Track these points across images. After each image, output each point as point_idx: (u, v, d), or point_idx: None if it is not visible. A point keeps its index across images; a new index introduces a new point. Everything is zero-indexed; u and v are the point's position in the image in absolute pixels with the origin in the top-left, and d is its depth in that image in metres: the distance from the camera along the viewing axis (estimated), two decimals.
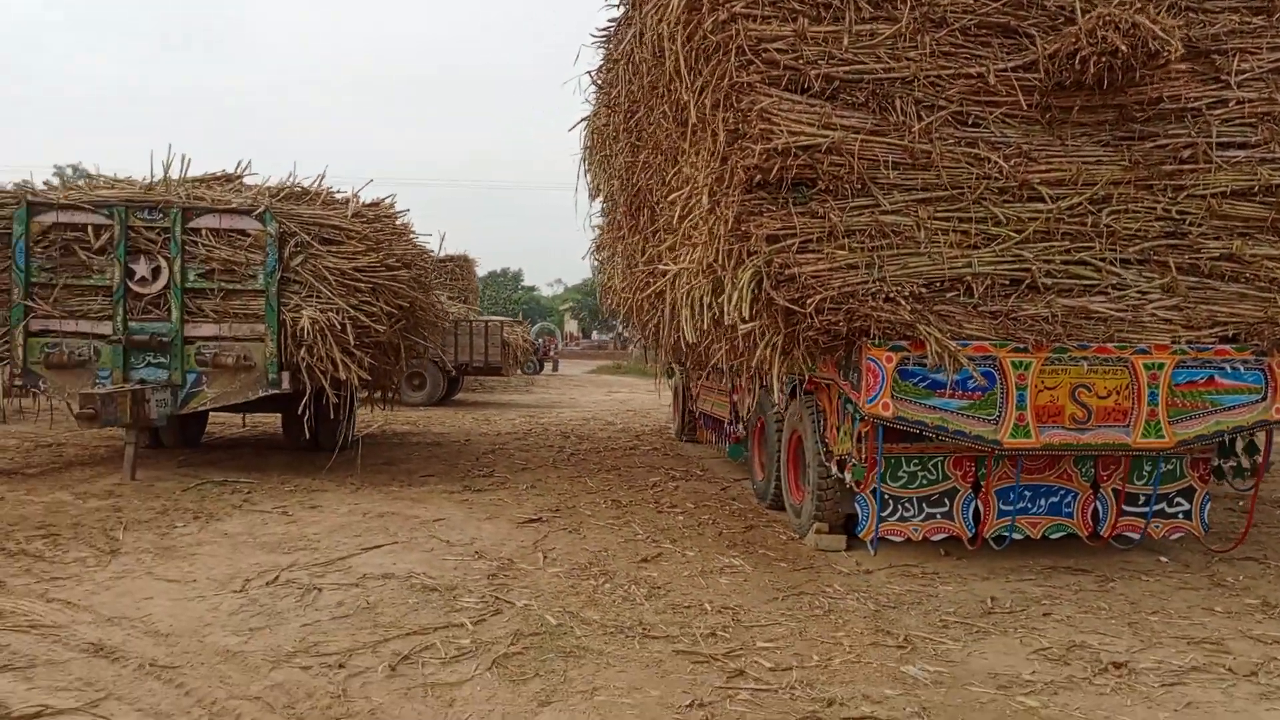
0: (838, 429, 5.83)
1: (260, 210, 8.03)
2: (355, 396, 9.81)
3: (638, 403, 20.03)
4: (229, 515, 6.49)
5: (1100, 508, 5.78)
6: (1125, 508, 5.78)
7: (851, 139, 4.89)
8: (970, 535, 5.71)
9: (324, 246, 8.19)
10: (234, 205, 8.12)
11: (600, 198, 11.59)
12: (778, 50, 4.86)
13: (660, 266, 6.46)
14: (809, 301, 4.94)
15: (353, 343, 8.10)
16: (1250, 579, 5.37)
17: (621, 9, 7.37)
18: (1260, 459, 5.77)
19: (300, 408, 8.24)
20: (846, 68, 4.92)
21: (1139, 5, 4.92)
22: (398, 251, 8.76)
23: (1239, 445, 5.77)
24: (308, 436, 10.00)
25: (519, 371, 21.88)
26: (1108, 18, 4.70)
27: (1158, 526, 5.81)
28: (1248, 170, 5.19)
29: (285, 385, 8.17)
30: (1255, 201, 5.22)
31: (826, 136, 4.86)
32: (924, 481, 5.69)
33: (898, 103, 4.98)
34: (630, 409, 18.18)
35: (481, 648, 3.96)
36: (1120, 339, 5.19)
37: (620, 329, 67.69)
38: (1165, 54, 4.76)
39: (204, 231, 8.10)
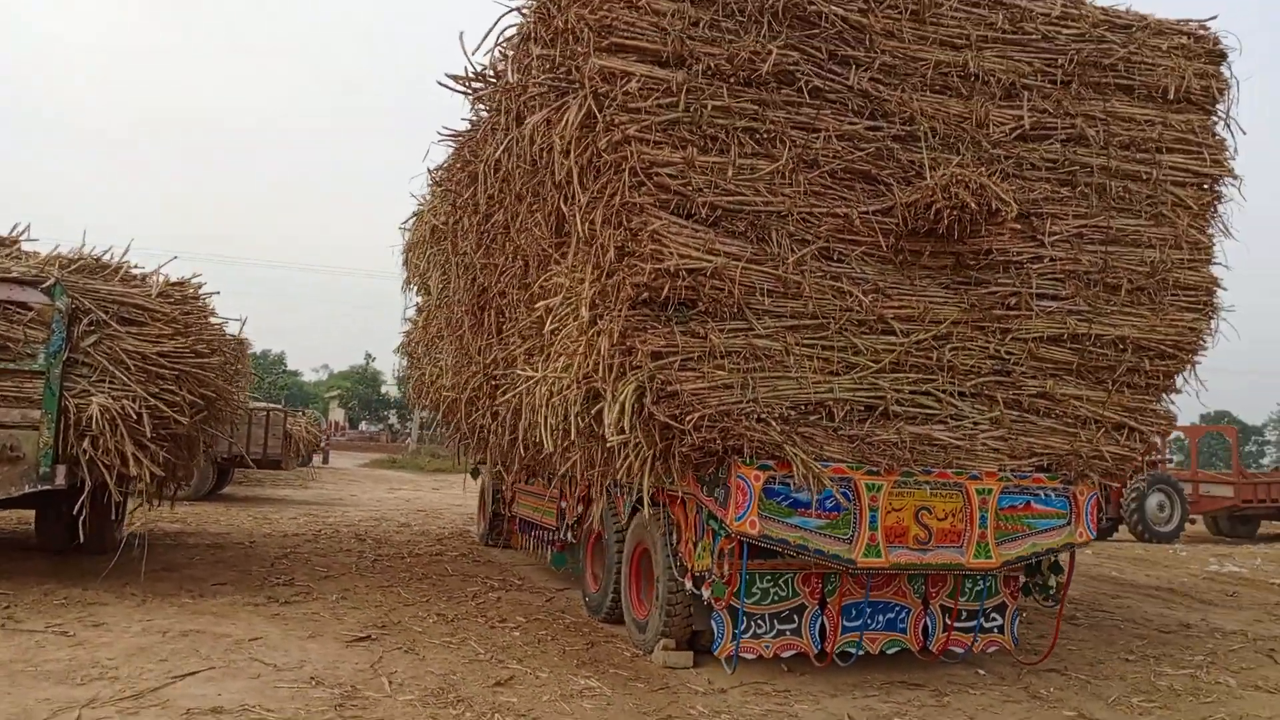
0: (694, 544, 5.85)
1: (49, 283, 7.13)
2: (129, 493, 8.78)
3: (425, 501, 19.27)
4: None
5: (929, 623, 6.13)
6: (949, 623, 6.17)
7: (732, 265, 5.08)
8: (817, 651, 5.86)
9: (123, 327, 7.38)
10: (15, 275, 7.17)
11: (418, 292, 11.32)
12: (668, 175, 5.00)
13: (519, 371, 6.31)
14: (689, 418, 5.00)
15: (149, 434, 7.27)
16: (1059, 690, 5.83)
17: (485, 114, 7.36)
18: (1064, 578, 6.37)
19: (76, 506, 7.22)
20: (729, 198, 5.15)
21: (980, 168, 5.53)
22: (206, 336, 8.03)
23: (1044, 565, 6.34)
24: (71, 537, 8.81)
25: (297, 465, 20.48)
26: (959, 177, 5.24)
27: (976, 641, 6.23)
28: (1059, 319, 5.87)
29: (59, 480, 7.16)
30: (1065, 347, 5.90)
31: (711, 261, 5.03)
32: (775, 598, 5.81)
33: (773, 234, 5.24)
34: (419, 508, 17.43)
35: None
36: (957, 465, 5.62)
37: (393, 422, 65.47)
38: (1004, 213, 5.36)
39: None
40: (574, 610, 7.81)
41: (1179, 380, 6.23)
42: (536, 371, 6.22)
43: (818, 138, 5.38)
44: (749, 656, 5.72)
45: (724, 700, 5.32)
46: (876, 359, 5.47)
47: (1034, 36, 5.97)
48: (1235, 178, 6.31)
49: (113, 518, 8.99)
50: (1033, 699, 5.65)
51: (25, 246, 8.21)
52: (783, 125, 5.31)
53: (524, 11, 6.12)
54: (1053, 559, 6.24)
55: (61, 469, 7.14)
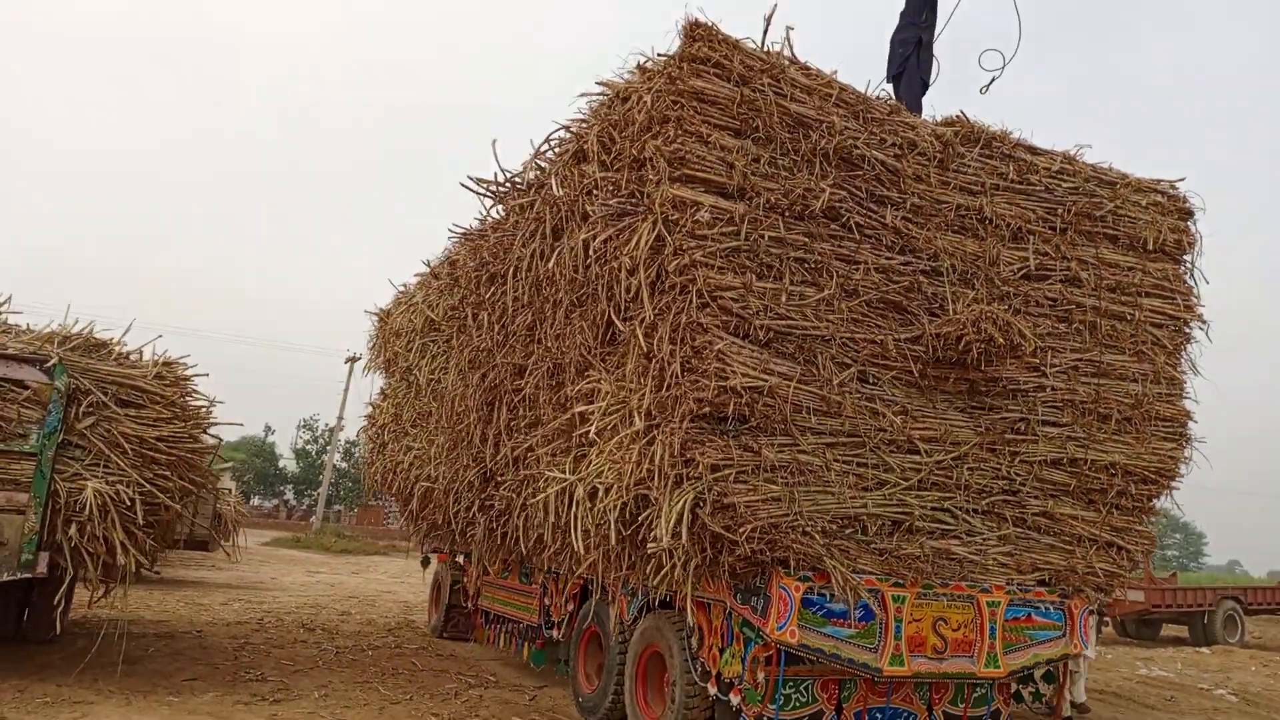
0: (721, 650, 6.00)
1: (51, 362, 6.93)
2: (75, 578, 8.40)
3: (351, 587, 18.63)
4: None
5: None
6: None
7: (784, 385, 5.39)
8: None
9: (122, 409, 7.19)
10: (13, 352, 6.95)
11: (393, 378, 11.29)
12: (731, 299, 5.32)
13: (547, 472, 6.42)
14: (741, 529, 5.22)
15: (140, 521, 7.04)
16: None
17: (500, 217, 7.61)
18: (1059, 684, 6.74)
19: (58, 596, 6.90)
20: (781, 322, 5.48)
21: (994, 304, 6.05)
22: (199, 420, 7.86)
23: (1038, 673, 6.71)
24: (17, 624, 8.37)
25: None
26: (987, 314, 5.72)
27: None
28: (1059, 444, 6.36)
29: (41, 568, 6.86)
30: (1064, 470, 6.38)
31: (766, 380, 5.32)
32: (797, 704, 5.97)
33: (819, 357, 5.59)
34: (349, 594, 16.87)
35: None
36: (970, 579, 5.98)
37: (289, 498, 62.94)
38: (1023, 348, 5.86)
39: None
40: (563, 709, 7.77)
41: (1158, 503, 6.78)
42: (564, 473, 6.35)
43: (858, 269, 5.81)
44: None
45: None
46: (905, 477, 5.82)
47: (1038, 187, 6.60)
48: (1203, 322, 7.02)
49: (58, 604, 8.57)
50: None
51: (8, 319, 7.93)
52: (828, 257, 5.72)
53: (575, 132, 6.45)
54: (1045, 668, 6.61)
55: (44, 556, 6.84)
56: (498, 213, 8.12)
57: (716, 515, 5.22)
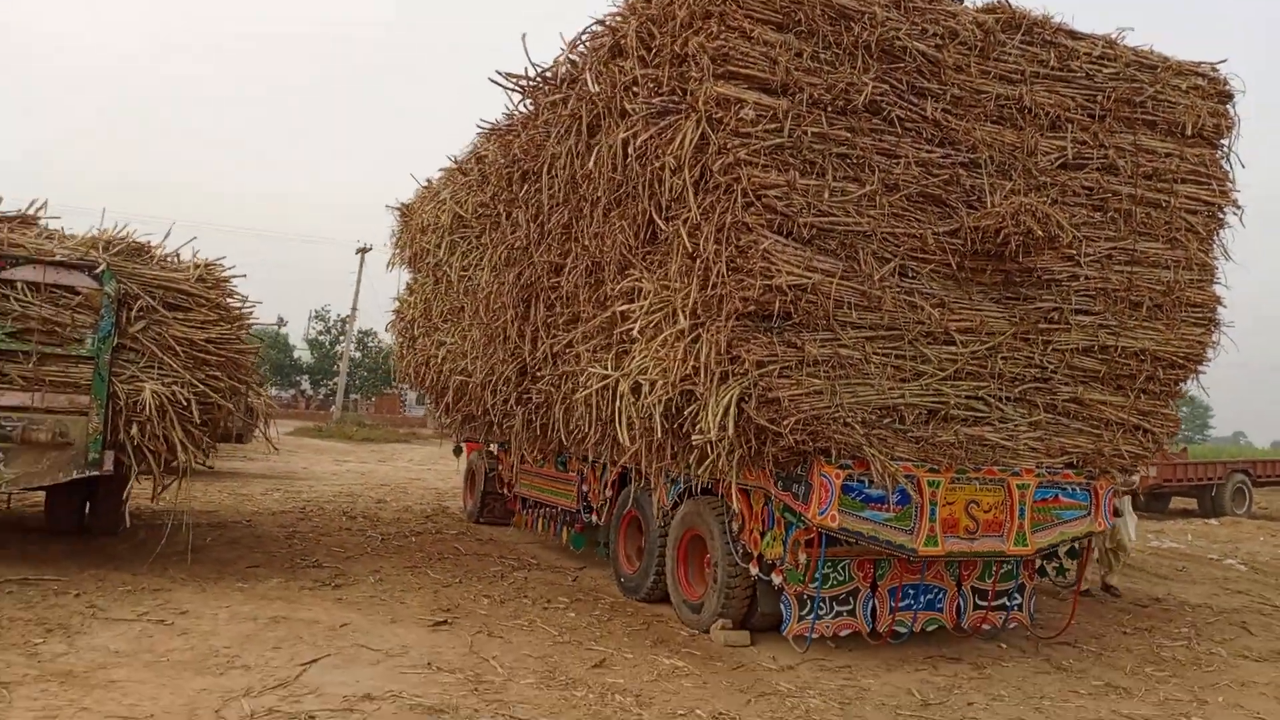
0: (762, 534, 6.31)
1: (100, 268, 7.06)
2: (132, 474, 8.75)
3: (380, 475, 19.22)
4: (89, 628, 5.57)
5: (961, 603, 6.76)
6: (978, 602, 6.82)
7: (826, 281, 5.51)
8: (869, 630, 6.42)
9: (170, 313, 7.36)
10: (62, 258, 7.07)
11: (419, 273, 11.40)
12: (775, 197, 5.37)
13: (591, 369, 6.61)
14: (785, 422, 5.43)
15: (197, 421, 7.31)
16: (1077, 662, 6.53)
17: (531, 109, 7.56)
18: (1082, 560, 7.08)
19: (125, 491, 7.24)
20: (824, 219, 5.55)
21: (1030, 194, 6.09)
22: (244, 322, 8.04)
23: (1062, 550, 7.03)
24: (81, 519, 8.78)
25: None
26: (1026, 206, 5.77)
27: (1001, 618, 6.90)
28: (1090, 332, 6.50)
29: (108, 466, 7.16)
30: (1094, 357, 6.53)
31: (809, 278, 5.44)
32: (834, 582, 6.33)
33: (860, 253, 5.68)
34: (380, 483, 17.41)
35: None
36: (1002, 463, 6.22)
37: (306, 388, 63.87)
38: (1060, 240, 5.93)
39: (19, 285, 6.95)
40: (604, 589, 8.19)
41: (1184, 387, 6.97)
42: (607, 369, 6.54)
43: (898, 163, 5.83)
44: (808, 637, 6.23)
45: (798, 676, 5.81)
46: (941, 367, 5.99)
47: (1078, 74, 6.53)
48: (1238, 207, 7.04)
49: (119, 499, 8.95)
50: (1058, 670, 6.33)
51: (51, 224, 8.02)
52: (869, 151, 5.73)
53: (611, 26, 6.37)
54: (1070, 544, 6.93)
55: (110, 455, 7.14)
56: (525, 108, 8.07)
57: (762, 409, 5.42)
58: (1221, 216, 7.05)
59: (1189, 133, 6.88)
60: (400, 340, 12.37)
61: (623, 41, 6.25)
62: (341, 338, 55.01)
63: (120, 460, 7.24)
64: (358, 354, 56.97)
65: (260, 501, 12.93)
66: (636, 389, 6.17)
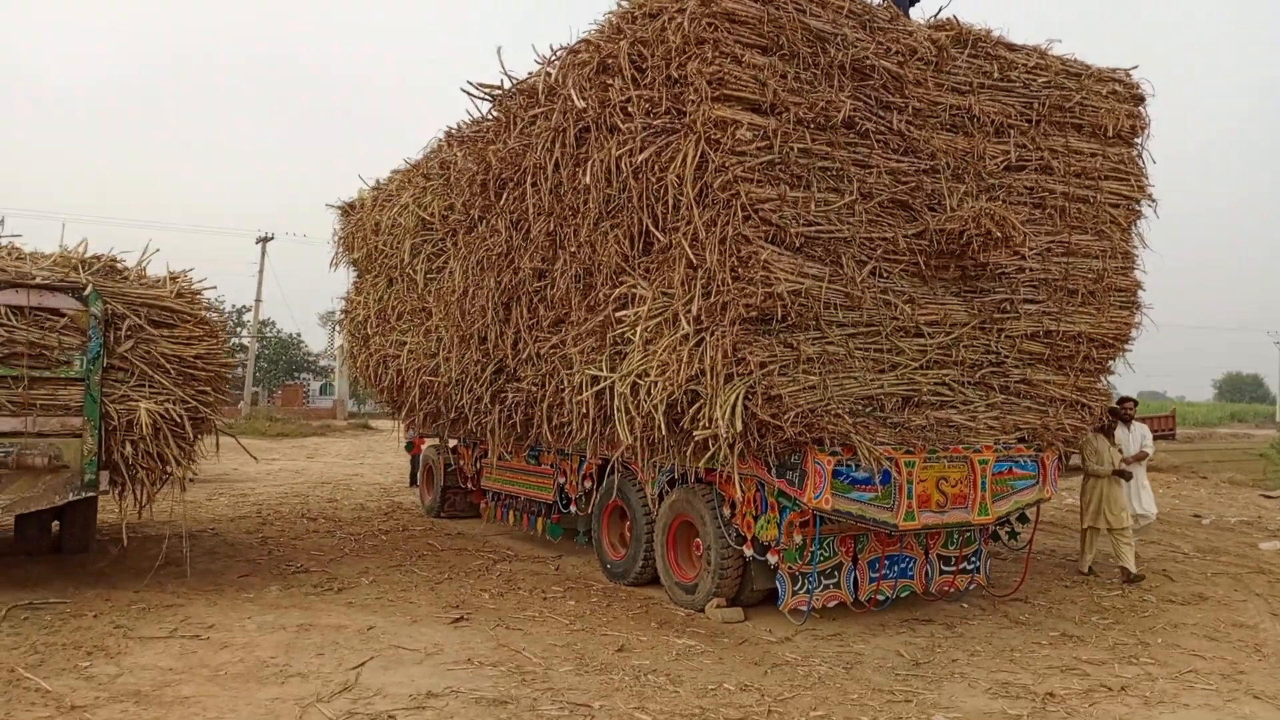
0: (755, 518, 6.83)
1: (86, 289, 7.05)
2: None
3: (316, 472, 19.09)
4: (129, 649, 5.70)
5: (930, 569, 7.45)
6: (944, 568, 7.52)
7: (816, 286, 6.03)
8: (853, 600, 7.04)
9: (156, 330, 7.39)
10: (46, 281, 7.03)
11: (375, 275, 11.49)
12: (769, 209, 5.85)
13: (587, 370, 6.99)
14: (785, 416, 5.94)
15: (190, 437, 7.41)
16: (1032, 616, 7.30)
17: (499, 118, 7.86)
18: (1032, 525, 7.86)
19: (125, 509, 7.29)
20: (811, 228, 6.06)
21: (981, 195, 6.74)
22: (225, 336, 8.10)
23: (1014, 516, 7.79)
24: (52, 540, 8.74)
25: None
26: (985, 210, 6.40)
27: (964, 581, 7.63)
28: (1036, 319, 7.21)
29: (104, 486, 7.20)
30: (1040, 342, 7.26)
31: (802, 283, 5.95)
32: (822, 558, 6.91)
33: (842, 257, 6.21)
34: (320, 480, 17.34)
35: None
36: (965, 441, 6.89)
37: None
38: (1014, 238, 6.59)
39: (2, 310, 6.89)
40: (589, 576, 8.62)
41: (1113, 364, 7.79)
42: (602, 370, 6.94)
43: (871, 173, 6.37)
44: (804, 610, 6.81)
45: (797, 647, 6.37)
46: (913, 358, 6.60)
47: (1016, 84, 7.19)
48: (1152, 200, 7.87)
49: (88, 517, 8.94)
50: (1018, 624, 7.08)
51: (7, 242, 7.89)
52: (847, 163, 6.26)
53: (596, 44, 6.71)
54: (1022, 511, 7.69)
55: (105, 475, 7.17)
56: (492, 115, 8.33)
57: (765, 405, 5.92)
58: (1138, 209, 7.87)
59: (1110, 134, 7.65)
60: (352, 339, 12.43)
61: (610, 60, 6.60)
62: (240, 329, 53.33)
63: (114, 479, 7.28)
64: (256, 346, 55.28)
65: (211, 508, 12.84)
66: (635, 389, 6.59)
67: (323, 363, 63.43)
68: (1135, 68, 7.94)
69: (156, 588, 7.44)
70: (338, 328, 13.36)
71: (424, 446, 13.37)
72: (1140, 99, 7.92)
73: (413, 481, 15.88)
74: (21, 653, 5.54)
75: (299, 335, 62.36)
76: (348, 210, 12.83)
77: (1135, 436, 9.10)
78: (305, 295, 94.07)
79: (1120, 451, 8.71)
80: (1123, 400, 9.11)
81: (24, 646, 5.65)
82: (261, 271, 42.08)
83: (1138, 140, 7.91)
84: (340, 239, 12.75)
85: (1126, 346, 7.75)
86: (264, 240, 41.99)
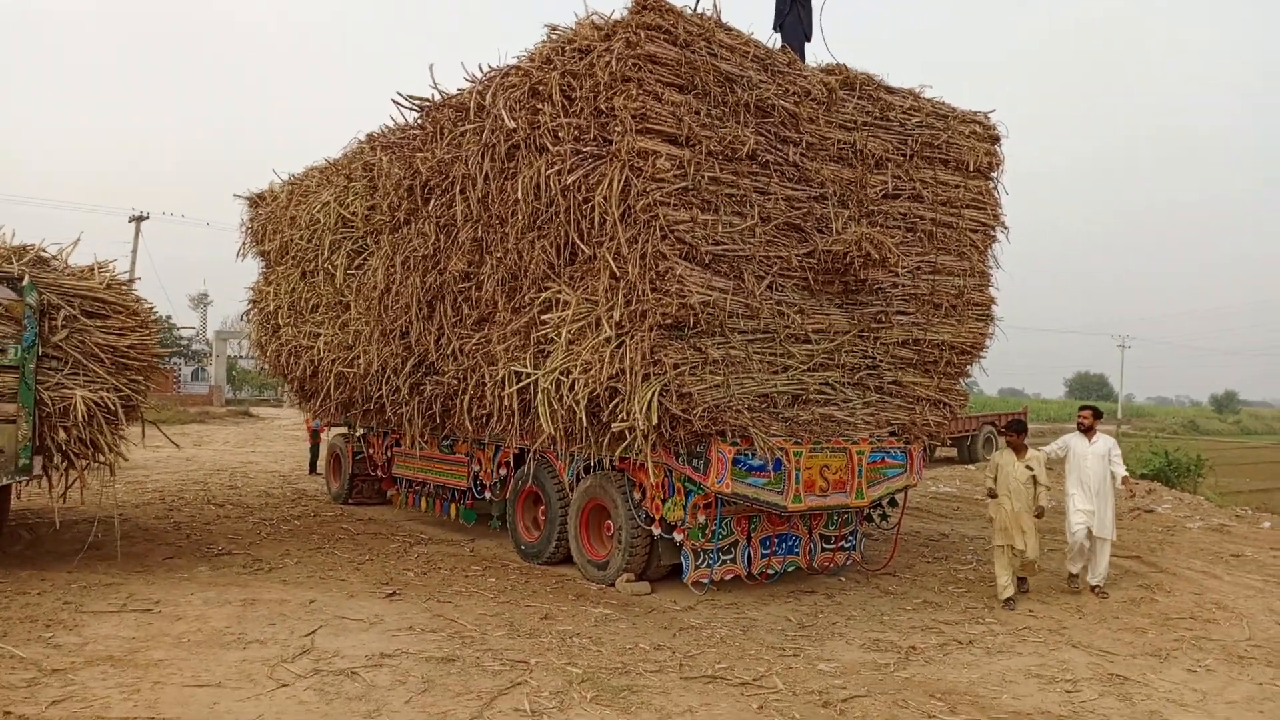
0: (663, 501, 7.66)
1: (23, 280, 7.27)
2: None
3: (207, 459, 18.94)
4: (84, 621, 6.08)
5: (813, 547, 8.45)
6: (825, 546, 8.54)
7: (722, 298, 6.88)
8: (746, 573, 7.95)
9: (89, 320, 7.66)
10: None
11: (290, 264, 11.78)
12: (684, 230, 6.66)
13: (514, 368, 7.65)
14: (694, 411, 6.78)
15: (123, 424, 7.72)
16: (900, 587, 8.39)
17: (425, 128, 8.45)
18: (900, 509, 8.96)
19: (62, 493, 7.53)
20: (719, 247, 6.90)
21: (864, 221, 7.74)
22: (157, 327, 8.38)
23: (884, 500, 8.86)
24: None
25: None
26: (867, 235, 7.38)
27: (843, 557, 8.66)
28: (906, 329, 8.27)
29: (37, 470, 7.45)
30: (909, 348, 8.33)
31: (710, 295, 6.79)
32: (721, 536, 7.80)
33: (744, 273, 7.08)
34: (215, 468, 17.28)
35: (573, 692, 5.06)
36: (845, 435, 7.89)
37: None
38: (890, 260, 7.60)
39: None
40: (503, 557, 9.28)
41: (970, 369, 8.96)
42: (527, 367, 7.63)
43: (770, 199, 7.26)
44: (705, 581, 7.68)
45: (699, 614, 7.23)
46: (802, 361, 7.54)
47: (894, 123, 8.23)
48: (1005, 226, 9.07)
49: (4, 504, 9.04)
50: (887, 594, 8.14)
51: None
52: (749, 190, 7.12)
53: (527, 71, 7.38)
54: (891, 496, 8.77)
55: (39, 460, 7.41)
56: (413, 123, 8.91)
57: (677, 401, 6.74)
58: (993, 234, 9.06)
59: (970, 168, 8.79)
60: (261, 330, 12.65)
61: (540, 87, 7.28)
62: None
63: (45, 465, 7.52)
64: None
65: (111, 495, 12.81)
66: (558, 385, 7.31)
67: (195, 347, 61.21)
68: (993, 111, 9.12)
69: (87, 568, 7.72)
70: (245, 317, 13.48)
71: (329, 434, 13.70)
72: (996, 139, 9.10)
73: (312, 469, 16.17)
74: None
75: (170, 318, 60.08)
76: (257, 201, 13.03)
77: (1097, 451, 8.12)
78: (176, 277, 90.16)
79: (1030, 469, 7.77)
80: (1081, 409, 8.52)
81: None
82: (135, 252, 40.48)
83: (994, 174, 9.10)
84: (249, 229, 12.94)
85: (982, 354, 8.92)
86: (138, 219, 40.45)
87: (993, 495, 8.00)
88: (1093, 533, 8.02)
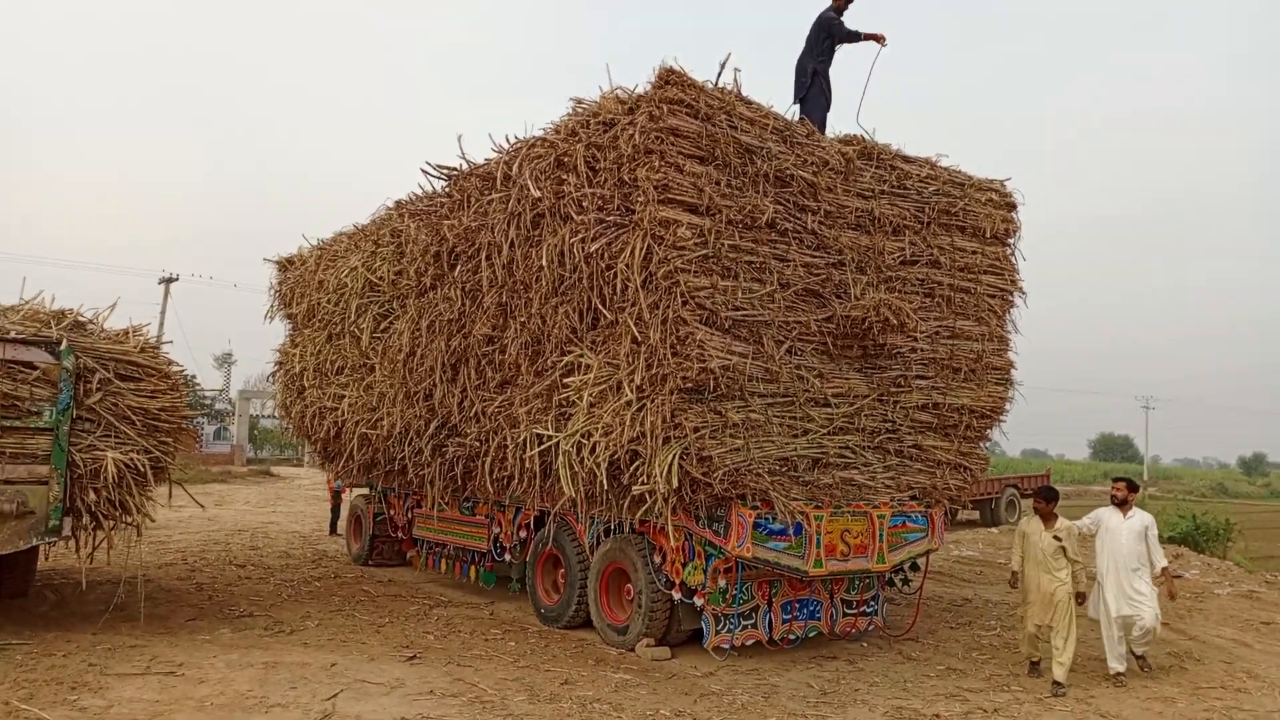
0: (683, 565, 7.66)
1: (61, 344, 7.47)
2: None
3: (230, 519, 18.98)
4: (109, 684, 6.11)
5: (834, 612, 8.40)
6: (846, 610, 8.48)
7: (742, 362, 6.97)
8: (768, 639, 7.90)
9: (123, 383, 7.83)
10: (18, 335, 7.43)
11: (316, 327, 12.01)
12: (704, 296, 6.79)
13: (536, 431, 7.74)
14: (715, 474, 6.83)
15: (153, 485, 7.84)
16: (924, 653, 8.30)
17: (453, 196, 8.70)
18: (922, 572, 8.91)
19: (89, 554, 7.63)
20: (738, 313, 7.02)
21: (881, 287, 7.84)
22: (187, 390, 8.55)
23: (906, 565, 8.82)
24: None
25: None
26: (885, 301, 7.49)
27: (864, 622, 8.59)
28: (926, 392, 8.33)
29: (67, 531, 7.55)
30: (929, 412, 8.37)
31: (730, 359, 6.88)
32: (742, 600, 7.78)
33: (764, 337, 7.19)
34: (237, 528, 17.32)
35: None
36: (866, 498, 7.90)
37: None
38: (908, 325, 7.69)
39: None
40: (523, 620, 9.26)
41: (990, 433, 8.97)
42: (548, 430, 7.72)
43: (789, 266, 7.40)
44: (726, 647, 7.64)
45: (720, 680, 7.18)
46: (822, 425, 7.59)
47: (911, 191, 8.38)
48: (1023, 292, 9.16)
49: (30, 563, 9.15)
50: (910, 660, 8.05)
51: None
52: (769, 258, 7.27)
53: (552, 142, 7.61)
54: (913, 560, 8.73)
55: (69, 521, 7.53)
56: (441, 191, 9.17)
57: (697, 465, 6.79)
58: (1011, 299, 9.14)
59: (988, 235, 8.92)
60: (286, 391, 12.84)
61: (565, 159, 7.50)
62: None
63: (75, 525, 7.63)
64: None
65: (136, 556, 12.90)
66: (579, 447, 7.39)
67: (218, 406, 61.79)
68: (1009, 179, 9.28)
69: (111, 630, 7.77)
70: (271, 379, 13.69)
71: (351, 495, 13.78)
72: (1013, 206, 9.24)
73: (333, 530, 16.21)
74: (7, 687, 5.90)
75: (194, 377, 60.80)
76: (285, 265, 13.33)
77: (1133, 527, 7.51)
78: (201, 337, 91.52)
79: (1058, 540, 7.25)
80: (1115, 481, 7.93)
81: (8, 682, 6.01)
82: (163, 313, 41.18)
83: (1010, 241, 9.21)
84: (278, 292, 13.22)
85: (1002, 418, 8.94)
86: (168, 281, 41.23)
87: (1013, 585, 7.71)
88: (1124, 614, 7.38)
